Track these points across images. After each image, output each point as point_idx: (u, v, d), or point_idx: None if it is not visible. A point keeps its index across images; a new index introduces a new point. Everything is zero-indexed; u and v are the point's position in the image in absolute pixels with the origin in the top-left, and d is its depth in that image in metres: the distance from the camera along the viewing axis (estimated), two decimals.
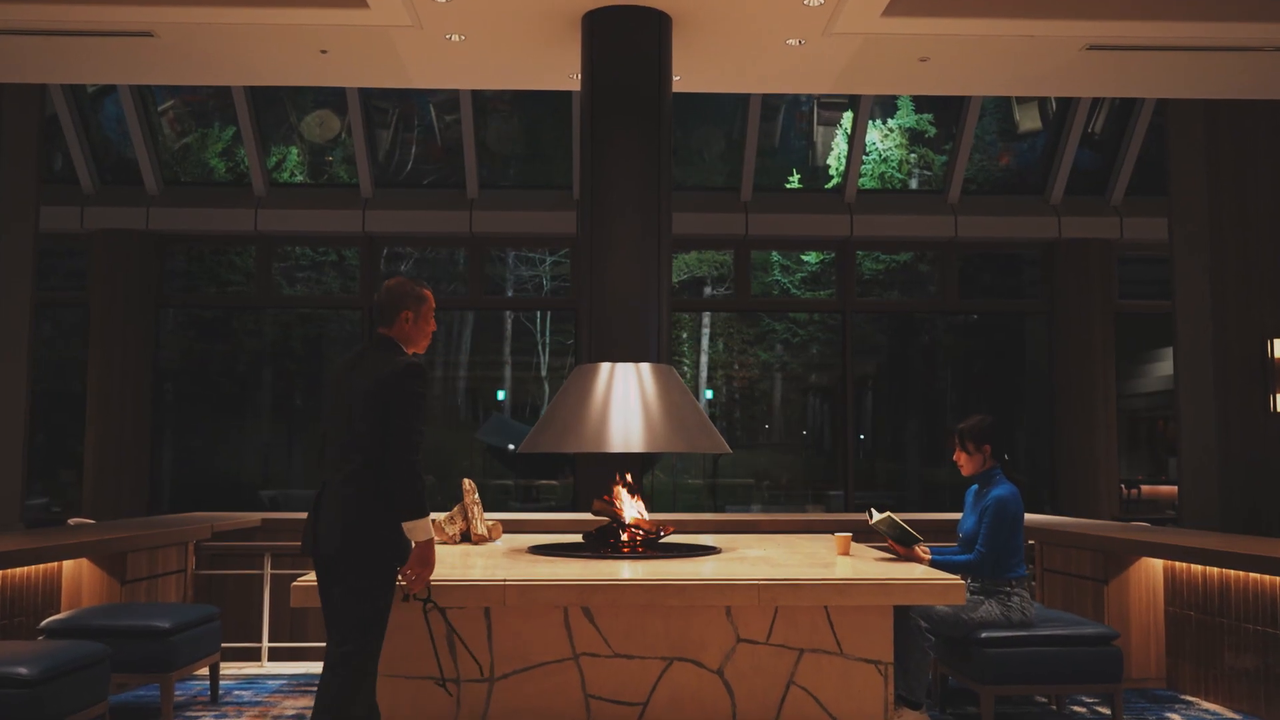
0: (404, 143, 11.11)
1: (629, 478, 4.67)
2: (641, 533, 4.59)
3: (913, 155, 11.48)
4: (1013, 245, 10.94)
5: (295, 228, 10.39)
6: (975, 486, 4.76)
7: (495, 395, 12.66)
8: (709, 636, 3.88)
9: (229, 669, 5.57)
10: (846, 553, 4.56)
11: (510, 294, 11.78)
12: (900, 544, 4.41)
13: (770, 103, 10.78)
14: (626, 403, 4.61)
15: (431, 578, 3.63)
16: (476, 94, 10.32)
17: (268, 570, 5.64)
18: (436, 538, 5.11)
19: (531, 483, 12.63)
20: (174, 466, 11.45)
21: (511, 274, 11.86)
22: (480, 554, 4.62)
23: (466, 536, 5.07)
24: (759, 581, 3.80)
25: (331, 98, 10.81)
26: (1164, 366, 13.34)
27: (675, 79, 5.35)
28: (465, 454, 12.32)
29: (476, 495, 5.15)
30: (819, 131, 11.66)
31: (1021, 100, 11.45)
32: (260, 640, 5.71)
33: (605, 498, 4.67)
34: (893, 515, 4.41)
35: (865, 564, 4.23)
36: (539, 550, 4.61)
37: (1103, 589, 5.33)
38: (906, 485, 12.29)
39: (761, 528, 6.27)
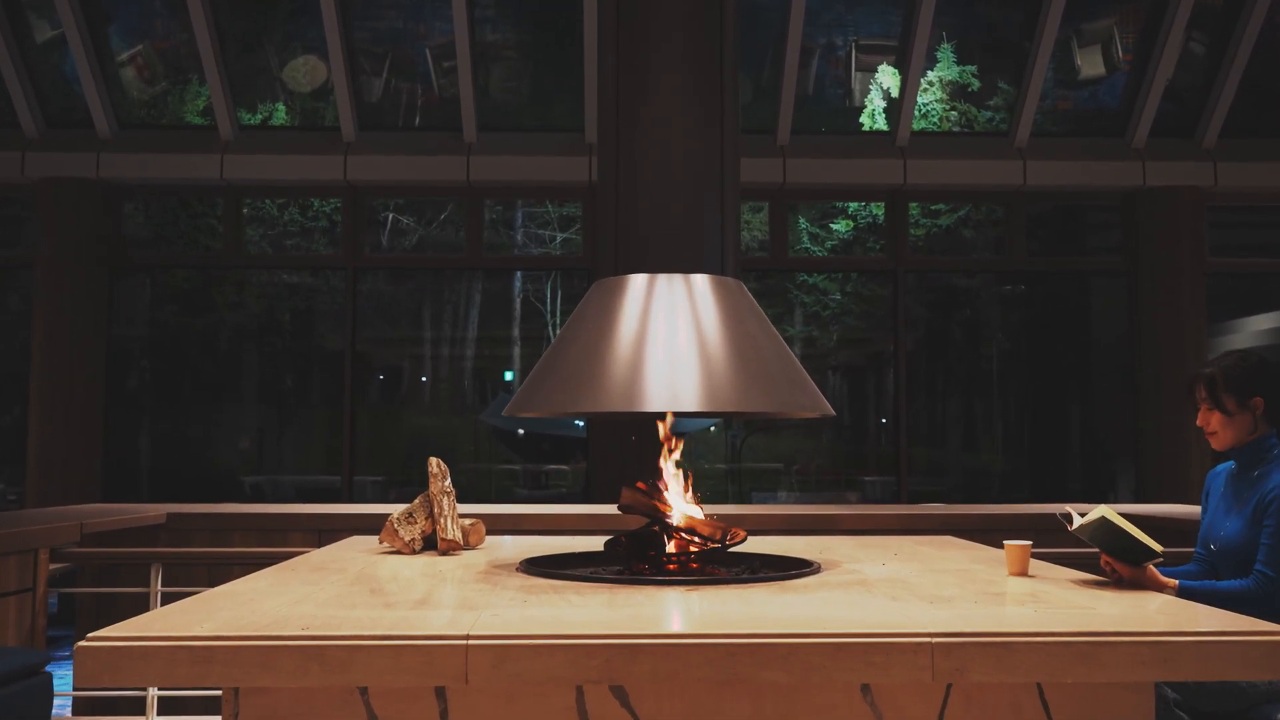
0: (397, 91, 9.27)
1: (672, 457, 2.83)
2: (698, 540, 2.74)
3: (953, 112, 9.63)
4: (1088, 195, 9.03)
5: (268, 176, 8.53)
6: (1229, 466, 2.87)
7: (502, 376, 11.01)
8: None
9: None
10: (1024, 571, 2.70)
11: (517, 275, 10.01)
12: (1124, 561, 2.53)
13: (804, 47, 8.91)
14: (673, 336, 2.74)
15: (335, 632, 1.80)
16: (477, 39, 8.49)
17: (156, 588, 3.75)
18: (390, 544, 3.28)
19: (540, 468, 10.94)
20: (152, 452, 9.70)
21: (520, 252, 10.15)
22: (448, 574, 2.78)
23: (432, 543, 3.23)
24: (930, 638, 1.95)
25: (318, 43, 8.96)
26: (1235, 340, 11.47)
27: None
28: (470, 438, 10.64)
29: (449, 482, 3.30)
30: (856, 78, 9.81)
31: (1083, 43, 9.60)
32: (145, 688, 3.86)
33: (640, 485, 2.82)
34: (1111, 515, 2.52)
35: (1082, 595, 2.38)
36: (536, 566, 2.76)
37: None
38: (946, 472, 10.46)
39: (843, 525, 4.41)
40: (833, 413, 2.85)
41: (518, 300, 10.54)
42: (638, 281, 2.83)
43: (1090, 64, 9.62)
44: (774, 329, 2.89)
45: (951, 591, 2.44)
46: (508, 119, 9.01)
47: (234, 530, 4.25)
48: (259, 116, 8.87)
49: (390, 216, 9.66)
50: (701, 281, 2.82)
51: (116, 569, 4.02)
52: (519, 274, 10.05)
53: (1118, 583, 2.56)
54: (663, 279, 2.81)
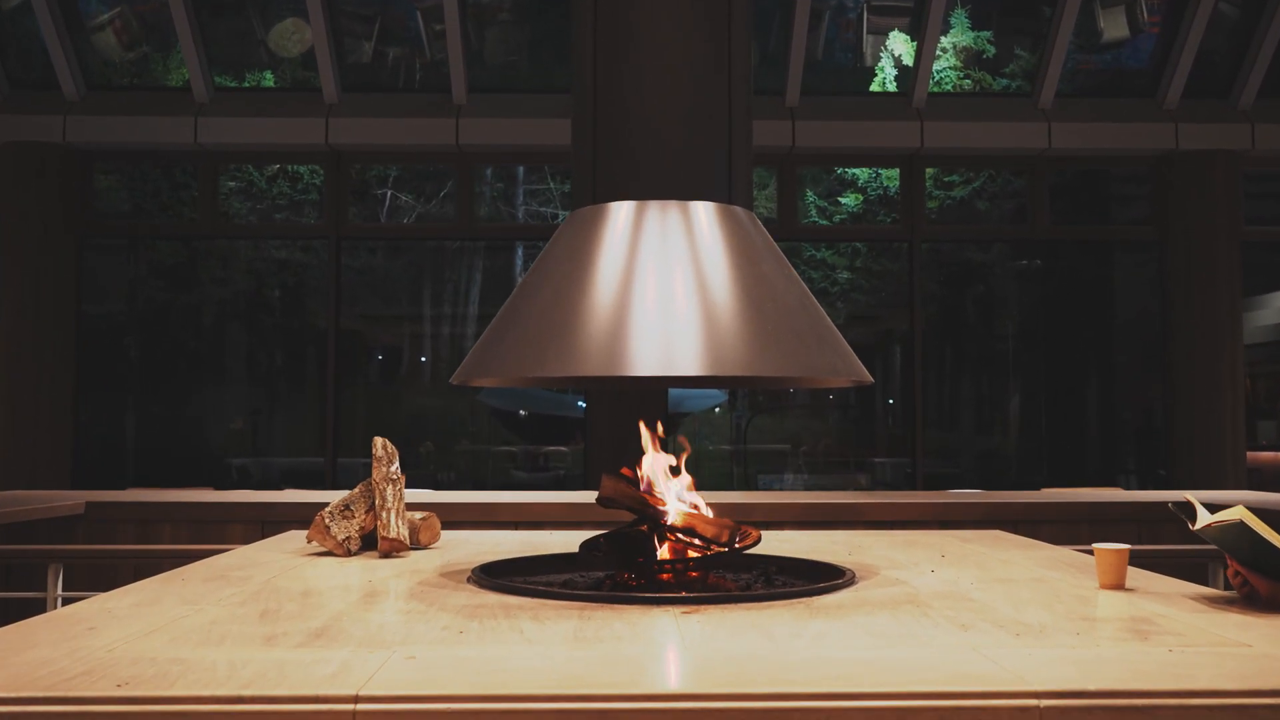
0: (386, 55, 8.58)
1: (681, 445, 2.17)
2: (699, 543, 2.08)
3: (967, 81, 8.93)
4: (1117, 159, 8.33)
5: (245, 140, 7.85)
6: None
7: None
8: None
9: None
10: (1120, 583, 2.04)
11: (519, 252, 9.34)
12: (1261, 573, 1.87)
13: (813, 9, 8.20)
14: (668, 281, 2.08)
15: (163, 692, 1.16)
16: (471, 2, 7.81)
17: (55, 593, 3.06)
18: (319, 544, 2.63)
19: (539, 449, 10.28)
20: (134, 435, 9.08)
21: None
22: (379, 586, 2.12)
23: (372, 541, 2.58)
24: (1038, 698, 1.29)
25: (305, 7, 8.29)
26: (1261, 317, 10.79)
27: None
28: (470, 419, 10.02)
29: (397, 466, 2.64)
30: (867, 42, 9.10)
31: (1106, 5, 8.88)
32: None
33: (626, 471, 2.17)
34: (1249, 518, 1.85)
35: (1213, 621, 1.72)
36: (489, 577, 2.11)
37: None
38: (959, 454, 9.80)
39: (868, 515, 3.74)
40: (869, 379, 2.19)
41: (519, 278, 9.90)
42: (622, 211, 2.16)
43: (1113, 26, 8.92)
44: (795, 272, 2.23)
45: (1037, 615, 1.78)
46: (500, 81, 8.33)
47: (164, 522, 3.60)
48: (248, 84, 8.20)
49: (389, 194, 9.03)
50: (703, 211, 2.15)
51: (17, 568, 3.37)
52: (520, 251, 9.40)
53: (1248, 599, 1.91)
54: (654, 207, 2.14)
